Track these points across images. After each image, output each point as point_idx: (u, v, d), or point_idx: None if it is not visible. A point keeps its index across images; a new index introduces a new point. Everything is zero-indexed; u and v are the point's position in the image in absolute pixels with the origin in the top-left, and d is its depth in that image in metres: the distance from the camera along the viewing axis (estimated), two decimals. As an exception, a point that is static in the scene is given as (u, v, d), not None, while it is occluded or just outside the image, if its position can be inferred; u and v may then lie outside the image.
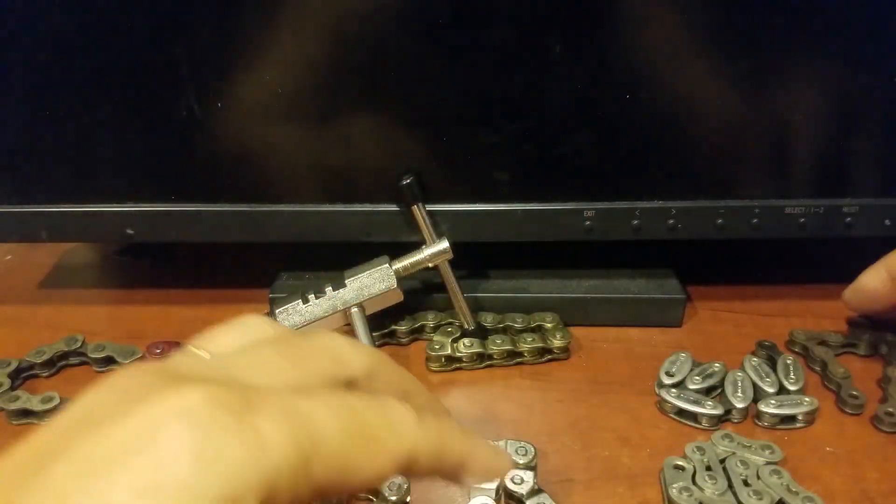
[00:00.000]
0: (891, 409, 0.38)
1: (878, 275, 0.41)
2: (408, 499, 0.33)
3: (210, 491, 0.18)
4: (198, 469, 0.19)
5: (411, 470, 0.24)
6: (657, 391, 0.39)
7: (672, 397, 0.38)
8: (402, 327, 0.44)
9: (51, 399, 0.39)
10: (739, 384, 0.39)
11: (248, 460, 0.19)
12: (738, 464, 0.34)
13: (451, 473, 0.25)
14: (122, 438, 0.19)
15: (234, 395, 0.21)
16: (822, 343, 0.43)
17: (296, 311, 0.41)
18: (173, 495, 0.18)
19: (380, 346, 0.44)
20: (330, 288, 0.41)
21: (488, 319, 0.44)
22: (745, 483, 0.33)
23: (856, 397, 0.39)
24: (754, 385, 0.40)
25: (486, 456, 0.26)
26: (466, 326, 0.43)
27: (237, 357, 0.24)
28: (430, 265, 0.42)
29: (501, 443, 0.35)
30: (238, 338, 0.26)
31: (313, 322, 0.41)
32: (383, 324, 0.44)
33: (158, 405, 0.20)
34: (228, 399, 0.20)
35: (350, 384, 0.25)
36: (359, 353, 0.27)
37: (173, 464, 0.19)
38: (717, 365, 0.41)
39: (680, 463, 0.35)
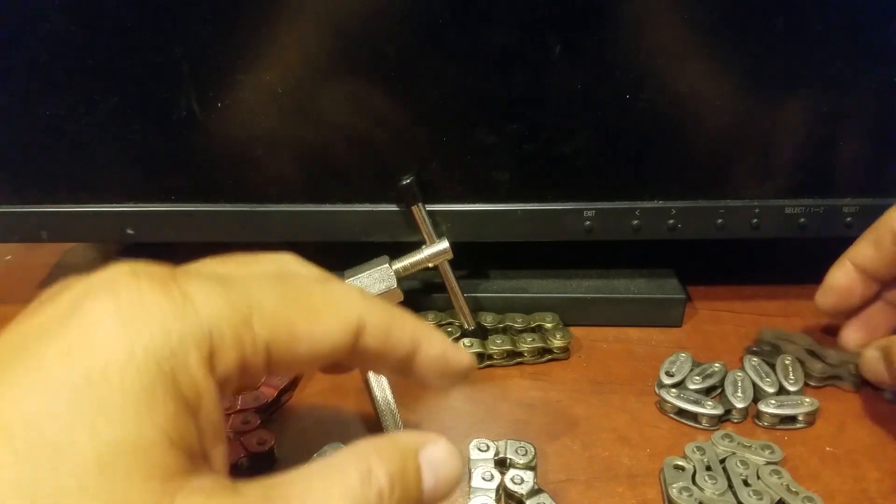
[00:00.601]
0: None
1: (843, 268, 0.39)
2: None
3: (142, 345, 0.18)
4: (126, 326, 0.19)
5: (361, 344, 0.23)
6: (657, 391, 0.39)
7: (672, 397, 0.38)
8: (402, 327, 0.44)
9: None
10: (739, 384, 0.39)
11: (179, 316, 0.19)
12: (738, 464, 0.34)
13: (404, 360, 0.24)
14: (49, 315, 0.20)
15: (160, 269, 0.21)
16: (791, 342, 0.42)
17: (296, 311, 0.41)
18: (105, 350, 0.18)
19: (380, 346, 0.44)
20: (330, 288, 0.41)
21: (488, 319, 0.44)
22: (745, 483, 0.33)
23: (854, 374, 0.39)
24: (754, 385, 0.40)
25: (441, 343, 0.25)
26: (466, 326, 0.43)
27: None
28: (430, 265, 0.42)
29: (501, 443, 0.35)
30: None
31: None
32: (383, 324, 0.44)
33: (82, 284, 0.20)
34: (153, 270, 0.20)
35: None
36: (308, 268, 0.26)
37: (100, 325, 0.19)
38: (717, 365, 0.41)
39: (680, 463, 0.35)
